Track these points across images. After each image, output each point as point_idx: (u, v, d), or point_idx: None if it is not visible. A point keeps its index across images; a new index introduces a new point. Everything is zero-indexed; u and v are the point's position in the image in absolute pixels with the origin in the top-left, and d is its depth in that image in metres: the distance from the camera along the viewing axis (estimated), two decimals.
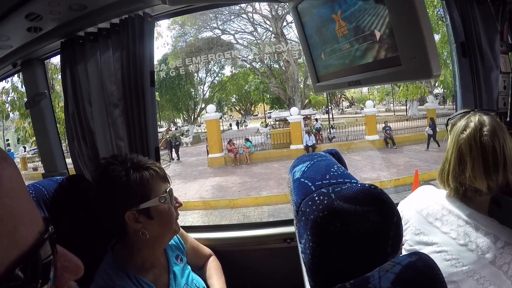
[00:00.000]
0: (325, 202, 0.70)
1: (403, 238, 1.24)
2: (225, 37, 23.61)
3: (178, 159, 18.41)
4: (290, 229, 1.65)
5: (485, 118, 1.09)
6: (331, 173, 0.80)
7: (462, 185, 1.10)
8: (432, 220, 1.16)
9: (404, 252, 1.21)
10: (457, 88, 1.73)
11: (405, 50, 0.75)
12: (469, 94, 1.65)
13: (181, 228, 1.39)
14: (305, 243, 0.72)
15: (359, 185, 0.72)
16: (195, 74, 25.76)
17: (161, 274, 1.20)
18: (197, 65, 22.07)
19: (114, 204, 1.06)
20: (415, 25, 0.70)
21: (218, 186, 12.50)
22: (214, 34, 23.47)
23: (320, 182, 0.77)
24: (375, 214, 0.68)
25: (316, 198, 0.72)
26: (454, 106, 1.97)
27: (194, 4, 1.60)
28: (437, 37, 16.06)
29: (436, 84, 20.32)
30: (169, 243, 1.29)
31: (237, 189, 11.83)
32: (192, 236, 1.47)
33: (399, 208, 1.32)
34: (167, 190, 1.13)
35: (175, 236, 1.34)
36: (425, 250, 1.14)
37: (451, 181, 1.13)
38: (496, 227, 1.05)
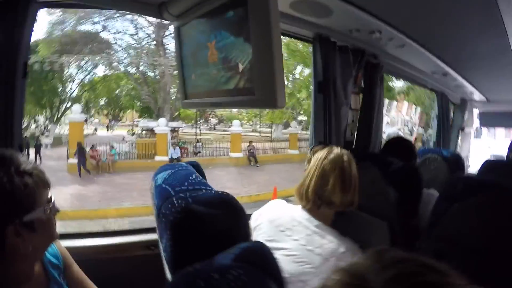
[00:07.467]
0: (183, 205, 0.80)
1: None
2: (104, 35, 21.47)
3: (40, 161, 14.65)
4: (154, 236, 1.63)
5: (344, 151, 1.41)
6: (190, 181, 0.92)
7: (320, 197, 1.33)
8: (283, 229, 1.34)
9: None
10: (311, 118, 2.08)
11: (258, 83, 0.91)
12: (320, 124, 1.99)
13: (66, 251, 1.20)
14: (166, 242, 0.80)
15: (213, 191, 0.85)
16: (66, 68, 22.30)
17: None
18: (69, 59, 19.22)
19: None
20: (270, 66, 0.86)
21: (77, 195, 11.23)
22: (94, 29, 21.04)
23: (179, 188, 0.87)
24: (227, 216, 0.82)
25: (175, 202, 0.81)
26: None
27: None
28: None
29: (302, 112, 22.80)
30: (50, 260, 1.11)
31: (98, 199, 11.00)
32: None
33: (253, 217, 1.48)
34: (50, 197, 0.99)
35: (54, 252, 1.15)
36: (277, 254, 1.31)
37: (311, 194, 1.34)
38: (338, 236, 1.31)
